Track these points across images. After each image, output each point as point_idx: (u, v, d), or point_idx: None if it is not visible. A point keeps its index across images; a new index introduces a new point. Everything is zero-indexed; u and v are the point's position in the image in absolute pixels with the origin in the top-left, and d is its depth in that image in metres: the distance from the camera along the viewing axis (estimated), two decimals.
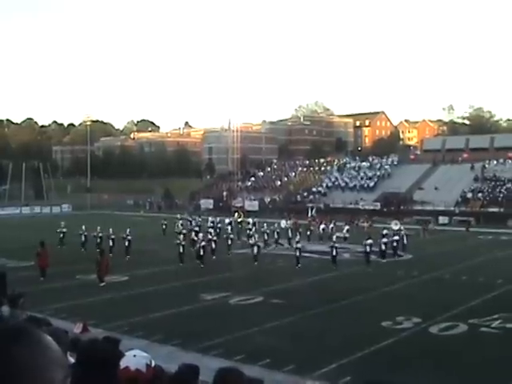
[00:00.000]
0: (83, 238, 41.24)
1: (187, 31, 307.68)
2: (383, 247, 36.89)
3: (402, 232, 40.94)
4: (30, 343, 1.41)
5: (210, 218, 52.71)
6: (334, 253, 34.19)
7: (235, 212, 62.90)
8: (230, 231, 42.65)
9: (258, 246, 35.56)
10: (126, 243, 38.06)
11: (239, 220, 55.23)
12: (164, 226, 52.09)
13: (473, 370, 15.98)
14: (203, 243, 35.57)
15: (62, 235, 43.54)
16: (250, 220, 50.17)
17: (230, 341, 18.58)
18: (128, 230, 38.72)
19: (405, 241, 39.90)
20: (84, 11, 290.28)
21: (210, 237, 38.08)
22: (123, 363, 3.20)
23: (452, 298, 25.04)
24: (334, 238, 36.71)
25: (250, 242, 36.66)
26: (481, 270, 32.46)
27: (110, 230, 39.82)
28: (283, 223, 48.88)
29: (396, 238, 38.73)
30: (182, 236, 37.84)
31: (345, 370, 15.62)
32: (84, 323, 19.14)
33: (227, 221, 50.62)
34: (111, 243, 38.74)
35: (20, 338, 1.40)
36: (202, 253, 34.95)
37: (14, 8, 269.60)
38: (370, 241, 35.44)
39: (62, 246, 42.06)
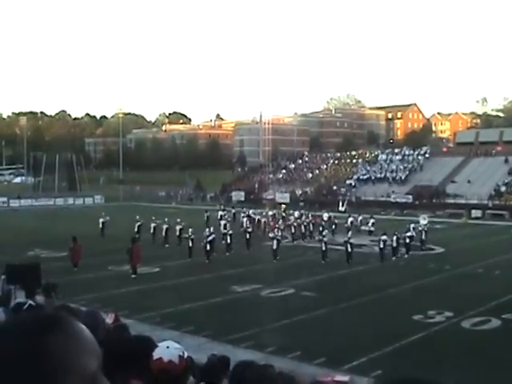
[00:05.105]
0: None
1: (218, 23, 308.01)
2: (407, 241, 36.17)
3: (421, 227, 39.86)
4: (65, 331, 1.41)
5: (251, 211, 50.93)
6: (349, 249, 33.00)
7: (280, 204, 61.91)
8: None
9: (278, 240, 34.95)
10: (164, 233, 39.52)
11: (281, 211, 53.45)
12: (206, 218, 49.56)
13: (505, 366, 15.78)
14: (230, 232, 36.54)
15: (101, 225, 44.51)
16: (296, 212, 48.33)
17: (260, 333, 18.60)
18: (179, 220, 40.13)
19: (423, 236, 39.05)
20: (115, 3, 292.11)
21: (242, 228, 38.17)
22: (156, 354, 3.21)
23: (485, 293, 24.73)
24: (350, 233, 35.71)
25: (270, 235, 36.16)
26: None
27: (153, 217, 41.65)
28: (325, 216, 48.60)
29: (408, 234, 36.91)
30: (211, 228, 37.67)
31: (376, 363, 15.53)
32: (116, 314, 19.28)
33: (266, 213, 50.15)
34: (152, 231, 40.44)
35: (54, 326, 1.41)
36: (229, 241, 36.02)
37: (48, 1, 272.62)
38: (384, 237, 34.08)
39: (102, 236, 43.07)
